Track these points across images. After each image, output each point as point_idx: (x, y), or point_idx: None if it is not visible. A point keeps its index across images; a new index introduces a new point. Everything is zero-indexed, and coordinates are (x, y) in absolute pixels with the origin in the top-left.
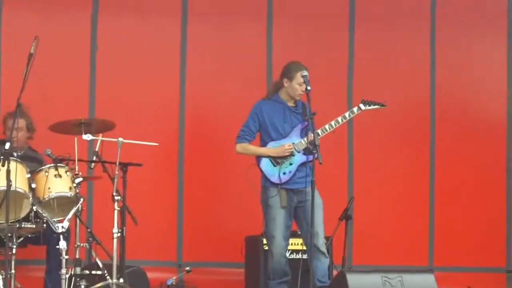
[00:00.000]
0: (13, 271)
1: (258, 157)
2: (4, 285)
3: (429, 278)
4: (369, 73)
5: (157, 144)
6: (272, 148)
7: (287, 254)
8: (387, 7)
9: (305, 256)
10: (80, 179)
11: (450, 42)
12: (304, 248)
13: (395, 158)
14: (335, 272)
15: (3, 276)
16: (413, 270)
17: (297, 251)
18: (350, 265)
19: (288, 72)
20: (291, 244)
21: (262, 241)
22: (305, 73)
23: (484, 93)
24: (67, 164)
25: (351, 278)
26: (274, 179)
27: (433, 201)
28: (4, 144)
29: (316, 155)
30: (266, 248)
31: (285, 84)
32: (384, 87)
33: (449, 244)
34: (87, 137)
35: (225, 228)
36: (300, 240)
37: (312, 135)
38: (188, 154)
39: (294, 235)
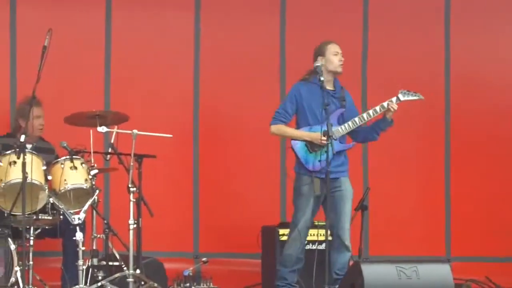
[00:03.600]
0: (31, 262)
1: (294, 141)
2: (22, 276)
3: (445, 268)
4: (383, 67)
5: (171, 136)
6: (309, 132)
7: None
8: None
9: (320, 247)
10: (96, 171)
11: (465, 34)
12: (320, 239)
13: (410, 149)
14: (350, 263)
15: (21, 268)
16: (428, 260)
17: (313, 242)
18: (367, 255)
19: (319, 50)
20: (310, 235)
21: (279, 231)
22: (336, 46)
23: (500, 86)
24: (82, 156)
25: (366, 269)
26: (309, 166)
27: (449, 190)
28: (13, 137)
29: (350, 145)
30: (282, 238)
31: (321, 62)
32: (398, 80)
33: (466, 233)
34: (102, 129)
35: (241, 219)
36: (316, 231)
37: (347, 124)
38: (203, 145)
39: (316, 226)
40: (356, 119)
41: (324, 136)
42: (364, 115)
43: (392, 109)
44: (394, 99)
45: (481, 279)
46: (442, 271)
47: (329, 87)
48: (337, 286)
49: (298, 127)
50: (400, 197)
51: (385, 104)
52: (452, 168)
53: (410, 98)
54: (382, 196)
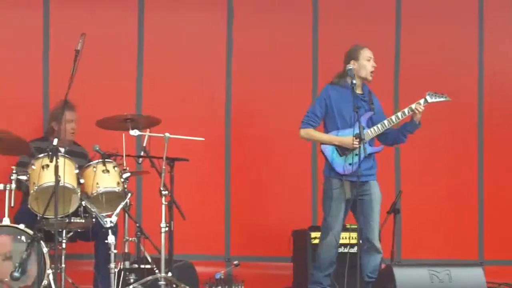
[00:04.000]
0: (63, 265)
1: (323, 145)
2: (54, 279)
3: (478, 272)
4: (415, 67)
5: (203, 139)
6: (339, 137)
7: None
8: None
9: (352, 250)
10: (128, 174)
11: (498, 34)
12: (352, 242)
13: (442, 152)
14: (382, 266)
15: (54, 270)
16: (460, 263)
17: (344, 245)
18: (399, 259)
19: (352, 54)
20: (344, 238)
21: (310, 235)
22: (369, 51)
23: None
24: (115, 160)
25: (398, 272)
26: (339, 169)
27: (482, 192)
28: (47, 140)
29: (378, 149)
30: (314, 242)
31: (354, 66)
32: (431, 81)
33: (499, 236)
34: (134, 132)
35: (272, 222)
36: (347, 234)
37: (377, 127)
38: (235, 149)
39: (345, 229)
40: (385, 121)
41: (356, 139)
42: (393, 117)
43: (418, 111)
44: (422, 101)
45: None
46: (475, 274)
47: (358, 90)
48: None
49: (326, 130)
50: (432, 200)
51: (412, 106)
52: (485, 170)
53: (438, 99)
54: (414, 199)
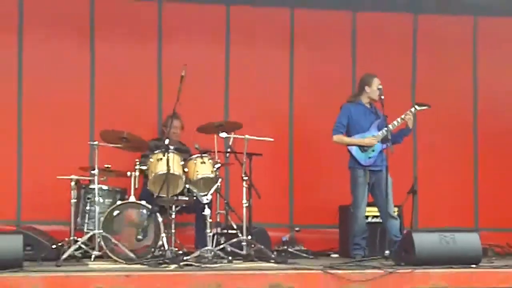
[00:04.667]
0: (173, 230)
1: (349, 145)
2: (167, 240)
3: (474, 236)
4: (430, 77)
5: (272, 139)
6: (361, 139)
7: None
8: None
9: (377, 220)
10: (219, 165)
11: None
12: (377, 214)
13: (445, 149)
14: (404, 232)
15: (166, 234)
16: (462, 230)
17: (375, 216)
18: (416, 227)
19: (366, 81)
20: (368, 211)
21: (351, 209)
22: (377, 80)
23: None
24: (209, 154)
25: (416, 236)
26: (362, 162)
27: (477, 175)
28: (161, 140)
29: (389, 146)
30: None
31: (368, 90)
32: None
33: (492, 208)
34: (223, 135)
35: (324, 199)
36: (374, 208)
37: (386, 130)
38: (296, 146)
39: (369, 204)
40: (389, 125)
41: (374, 139)
42: (395, 122)
43: (410, 119)
44: (410, 110)
45: (503, 245)
46: (473, 238)
47: (368, 106)
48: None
49: (348, 135)
50: (440, 183)
51: (402, 116)
52: (480, 156)
53: (423, 108)
54: (427, 183)
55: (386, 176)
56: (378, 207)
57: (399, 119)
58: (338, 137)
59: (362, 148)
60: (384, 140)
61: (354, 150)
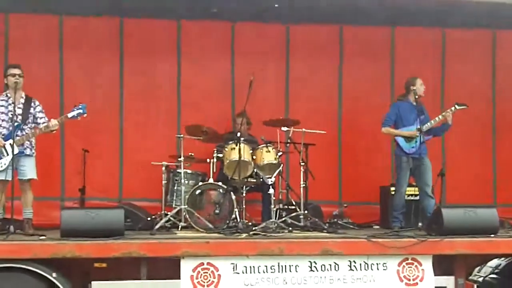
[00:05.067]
0: (244, 206)
1: (396, 136)
2: (239, 214)
3: (493, 211)
4: (458, 83)
5: (324, 132)
6: (406, 131)
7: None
8: None
9: (415, 198)
10: (280, 153)
11: None
12: (416, 193)
13: (467, 139)
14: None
15: (238, 209)
16: (482, 206)
17: (411, 195)
18: (444, 203)
19: (411, 82)
20: (408, 191)
21: (390, 189)
22: (420, 80)
23: None
24: (273, 144)
25: (444, 211)
26: (406, 150)
27: (495, 162)
28: (234, 133)
29: (429, 138)
30: (392, 193)
31: (412, 88)
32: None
33: (508, 187)
34: (285, 128)
35: (368, 180)
36: (411, 188)
37: (427, 124)
38: (344, 137)
39: (410, 185)
40: (432, 121)
41: (417, 131)
42: (436, 118)
43: (449, 116)
44: (451, 109)
45: None
46: (491, 212)
47: (414, 103)
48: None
49: (396, 127)
50: (463, 167)
51: (443, 113)
52: (497, 145)
53: (462, 107)
54: (453, 167)
55: (426, 162)
56: (418, 188)
57: (440, 116)
58: (387, 129)
59: (407, 139)
60: (425, 133)
61: (401, 140)
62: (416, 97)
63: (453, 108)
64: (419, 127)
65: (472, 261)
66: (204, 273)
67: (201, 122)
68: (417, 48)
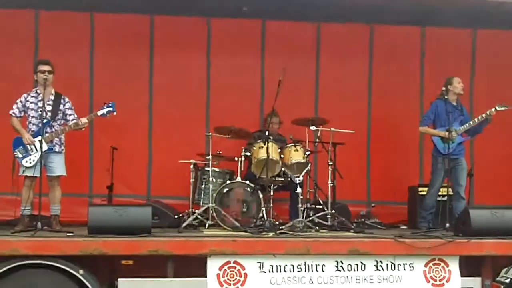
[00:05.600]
0: (271, 205)
1: (433, 137)
2: (266, 212)
3: None
4: (488, 80)
5: (353, 131)
6: (443, 132)
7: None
8: None
9: (444, 198)
10: (309, 152)
11: None
12: (445, 193)
13: (500, 139)
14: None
15: (266, 207)
16: (510, 207)
17: (440, 195)
18: (472, 203)
19: (449, 81)
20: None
21: (418, 189)
22: (458, 79)
23: None
24: (301, 143)
25: (472, 211)
26: (442, 151)
27: None
28: (262, 132)
29: (469, 139)
30: (421, 193)
31: (450, 88)
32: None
33: None
34: (313, 128)
35: (396, 181)
36: (443, 189)
37: (465, 125)
38: (373, 138)
39: (441, 186)
40: (471, 122)
41: (450, 133)
42: (475, 119)
43: (490, 116)
44: (493, 109)
45: None
46: None
47: (454, 103)
48: None
49: (434, 127)
50: (492, 168)
51: (487, 112)
52: None
53: (504, 108)
54: (482, 168)
55: (462, 163)
56: (451, 188)
57: (479, 117)
58: (424, 129)
59: (443, 139)
60: (465, 133)
61: (437, 140)
62: (456, 96)
63: (493, 110)
64: (449, 127)
65: (499, 262)
66: (230, 271)
67: (229, 120)
68: (447, 47)
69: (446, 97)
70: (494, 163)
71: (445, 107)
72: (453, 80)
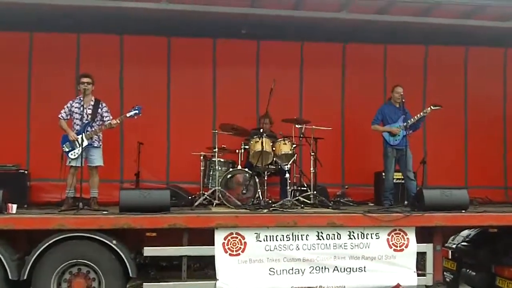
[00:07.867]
0: (265, 187)
1: (383, 132)
2: (262, 194)
3: (464, 191)
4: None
5: (330, 128)
6: (389, 128)
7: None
8: None
9: (402, 181)
10: (295, 145)
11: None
12: (400, 177)
13: (444, 130)
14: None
15: (261, 190)
16: (456, 187)
17: (399, 179)
18: (426, 185)
19: (392, 89)
20: (395, 176)
21: (382, 174)
22: (399, 88)
23: None
24: (289, 138)
25: (425, 191)
26: (391, 142)
27: (467, 149)
28: (258, 130)
29: (410, 133)
30: (383, 177)
31: (393, 93)
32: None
33: (477, 172)
34: (298, 126)
35: (364, 168)
36: (399, 173)
37: (408, 122)
38: (346, 133)
39: (397, 171)
40: (412, 119)
41: (399, 129)
42: (415, 117)
43: (425, 113)
44: (428, 109)
45: (483, 197)
46: (463, 193)
47: (397, 105)
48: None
49: (383, 125)
50: (441, 156)
51: (424, 111)
52: (469, 137)
53: (437, 108)
54: (432, 156)
55: (407, 152)
56: (401, 173)
57: (418, 115)
58: (375, 127)
59: (391, 134)
60: (406, 129)
61: (386, 134)
62: (397, 100)
63: (429, 109)
64: (404, 123)
65: (447, 231)
66: (233, 240)
67: (232, 120)
68: (403, 62)
69: (391, 101)
70: (445, 152)
71: (390, 109)
72: (394, 89)
